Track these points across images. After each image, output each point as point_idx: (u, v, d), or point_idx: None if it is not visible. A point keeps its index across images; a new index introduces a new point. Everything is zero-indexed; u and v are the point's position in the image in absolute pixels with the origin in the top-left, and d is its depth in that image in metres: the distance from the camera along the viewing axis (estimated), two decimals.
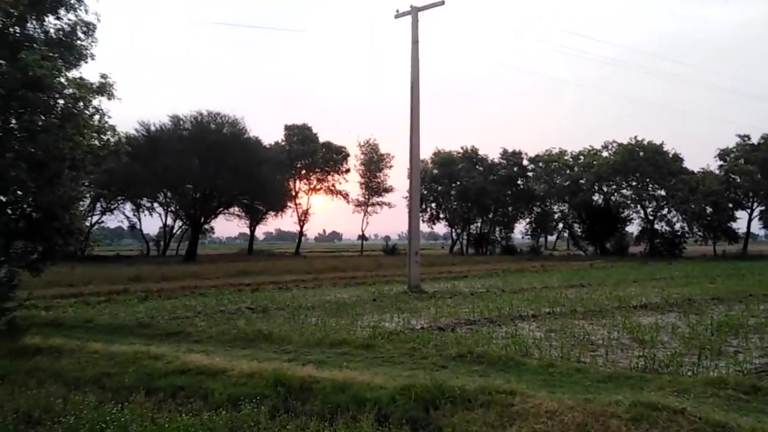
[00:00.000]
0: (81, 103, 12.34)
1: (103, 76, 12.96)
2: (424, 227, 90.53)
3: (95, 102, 13.05)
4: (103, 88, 13.07)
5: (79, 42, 12.22)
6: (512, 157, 77.71)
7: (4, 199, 11.49)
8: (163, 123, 60.71)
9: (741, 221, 67.34)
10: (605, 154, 70.83)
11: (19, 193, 11.40)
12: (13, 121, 11.22)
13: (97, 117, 13.13)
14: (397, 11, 26.67)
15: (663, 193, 67.36)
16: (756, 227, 72.14)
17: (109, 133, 13.21)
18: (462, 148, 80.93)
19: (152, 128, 59.45)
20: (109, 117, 13.38)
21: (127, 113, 70.19)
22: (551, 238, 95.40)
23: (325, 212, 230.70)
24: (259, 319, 15.65)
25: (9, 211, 11.61)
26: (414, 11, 25.99)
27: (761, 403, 7.51)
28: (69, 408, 7.21)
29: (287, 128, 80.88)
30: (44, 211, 11.45)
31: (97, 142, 12.96)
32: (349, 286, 27.77)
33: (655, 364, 9.70)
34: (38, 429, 6.84)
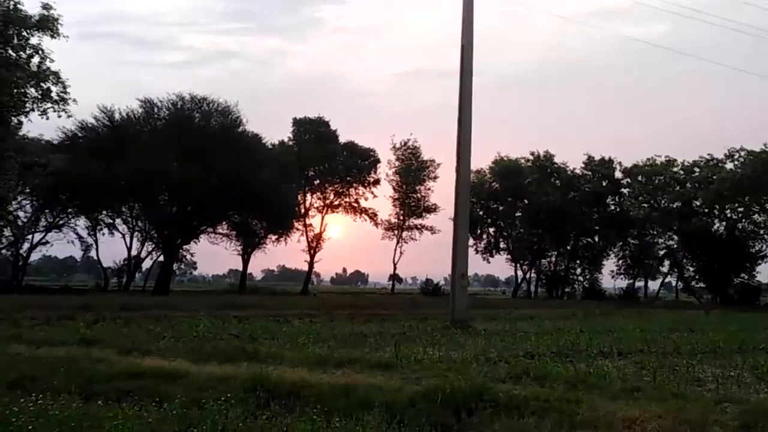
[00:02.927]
0: (14, 37, 12.55)
1: (45, 7, 13.22)
2: (477, 262, 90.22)
3: (34, 39, 13.28)
4: (45, 23, 13.31)
5: None
6: (600, 168, 77.28)
7: None
8: (132, 110, 61.42)
9: None
10: (729, 165, 69.58)
11: None
12: None
13: (36, 59, 13.35)
14: None
15: None
16: None
17: (51, 79, 13.41)
18: (532, 154, 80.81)
19: (117, 116, 60.18)
20: (52, 60, 13.59)
21: (85, 97, 71.41)
22: (653, 285, 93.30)
23: (346, 245, 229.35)
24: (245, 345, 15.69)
25: None
26: None
27: None
28: None
29: (297, 123, 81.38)
30: None
31: (34, 91, 13.16)
32: (371, 322, 27.71)
33: None
34: None
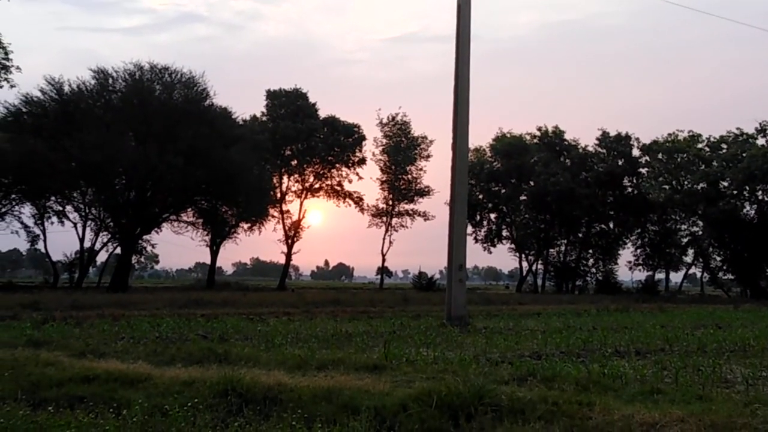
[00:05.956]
0: None
1: None
2: (477, 253, 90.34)
3: None
4: None
5: None
6: (616, 144, 77.38)
7: None
8: (84, 81, 61.01)
9: None
10: (761, 141, 69.84)
11: None
12: None
13: None
14: None
15: None
16: None
17: None
18: (539, 129, 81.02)
19: (66, 89, 59.85)
20: None
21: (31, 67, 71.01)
22: (675, 278, 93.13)
23: (329, 235, 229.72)
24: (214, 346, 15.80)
25: None
26: None
27: None
28: None
29: (271, 96, 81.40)
30: None
31: None
32: (357, 320, 27.90)
33: None
34: None
